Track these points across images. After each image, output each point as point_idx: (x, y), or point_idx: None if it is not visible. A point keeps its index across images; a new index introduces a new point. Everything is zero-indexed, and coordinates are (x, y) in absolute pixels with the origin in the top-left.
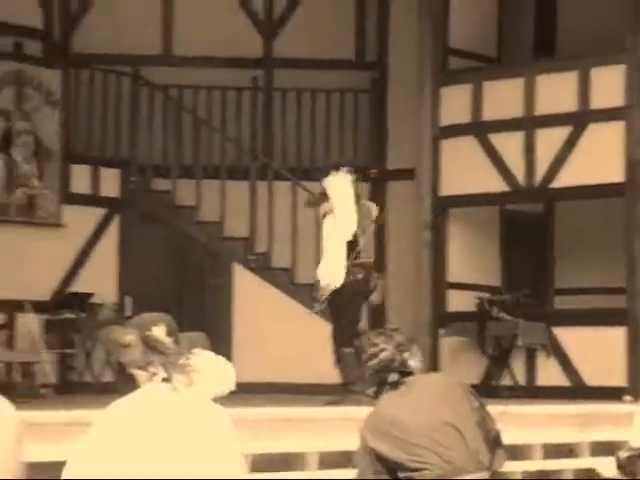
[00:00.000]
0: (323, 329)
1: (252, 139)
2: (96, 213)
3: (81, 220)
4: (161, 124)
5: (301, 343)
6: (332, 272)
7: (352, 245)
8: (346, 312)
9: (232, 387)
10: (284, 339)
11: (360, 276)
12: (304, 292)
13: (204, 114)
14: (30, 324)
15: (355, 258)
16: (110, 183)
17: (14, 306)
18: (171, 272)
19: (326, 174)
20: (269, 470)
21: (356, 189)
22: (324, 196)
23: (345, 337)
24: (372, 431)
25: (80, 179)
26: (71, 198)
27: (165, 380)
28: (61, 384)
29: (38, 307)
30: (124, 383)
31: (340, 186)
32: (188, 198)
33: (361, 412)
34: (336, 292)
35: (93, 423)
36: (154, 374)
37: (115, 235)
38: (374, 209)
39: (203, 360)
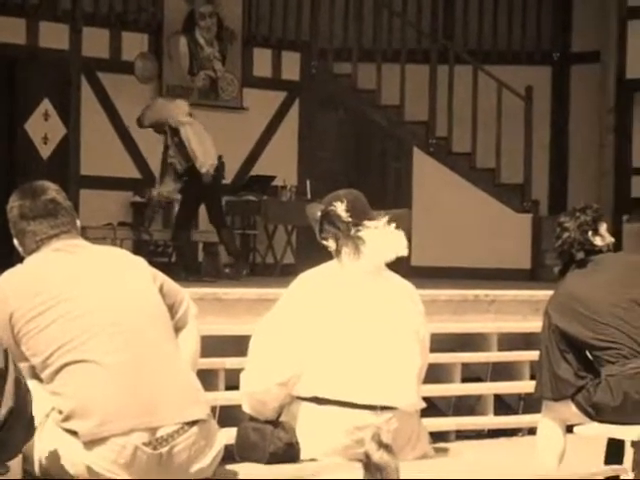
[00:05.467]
0: (501, 214)
1: (433, 22)
2: (277, 97)
3: (262, 104)
4: (343, 6)
5: (479, 228)
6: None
7: None
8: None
9: (402, 253)
10: (462, 224)
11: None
12: (483, 177)
13: None
14: None
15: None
16: (291, 66)
17: None
18: (350, 156)
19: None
20: (446, 350)
21: None
22: None
23: (189, 222)
24: (556, 309)
25: (261, 62)
26: (252, 81)
27: (336, 252)
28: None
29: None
30: (303, 264)
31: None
32: (368, 82)
33: (546, 294)
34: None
35: (279, 298)
36: (331, 247)
37: (295, 119)
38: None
39: (373, 232)
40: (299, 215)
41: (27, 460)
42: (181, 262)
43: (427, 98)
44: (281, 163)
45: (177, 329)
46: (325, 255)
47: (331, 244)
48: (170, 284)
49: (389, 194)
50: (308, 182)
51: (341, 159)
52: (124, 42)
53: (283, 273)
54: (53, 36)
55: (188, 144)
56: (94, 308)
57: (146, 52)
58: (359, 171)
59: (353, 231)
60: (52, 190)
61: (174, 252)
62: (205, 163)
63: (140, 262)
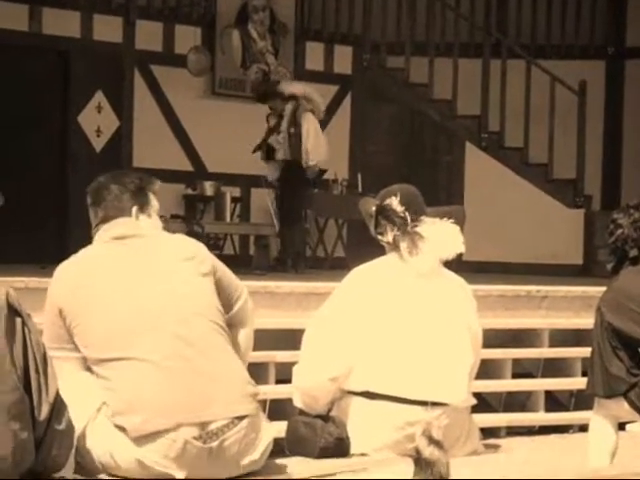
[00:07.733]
0: (554, 209)
1: (486, 15)
2: (329, 90)
3: None
4: (395, 0)
5: (530, 223)
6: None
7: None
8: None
9: (460, 250)
10: (514, 219)
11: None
12: (535, 172)
13: None
14: (265, 198)
15: None
16: (343, 60)
17: (250, 180)
18: (402, 150)
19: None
20: (497, 346)
21: None
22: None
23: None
24: (609, 306)
25: (314, 56)
26: (304, 75)
27: (393, 246)
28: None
29: (273, 182)
30: (354, 258)
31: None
32: (421, 76)
33: (598, 290)
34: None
35: (332, 292)
36: (387, 242)
37: (347, 112)
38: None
39: (432, 228)
40: (350, 209)
41: (79, 452)
42: (289, 252)
43: (480, 92)
44: (333, 156)
45: (232, 324)
46: (376, 249)
47: (387, 239)
48: (230, 278)
49: (441, 188)
50: (359, 176)
51: (393, 153)
52: (177, 35)
53: (334, 267)
54: (107, 29)
55: (305, 140)
56: (143, 303)
57: (199, 45)
58: (411, 165)
59: (410, 226)
60: (136, 177)
61: (281, 244)
62: (315, 158)
63: (201, 252)
